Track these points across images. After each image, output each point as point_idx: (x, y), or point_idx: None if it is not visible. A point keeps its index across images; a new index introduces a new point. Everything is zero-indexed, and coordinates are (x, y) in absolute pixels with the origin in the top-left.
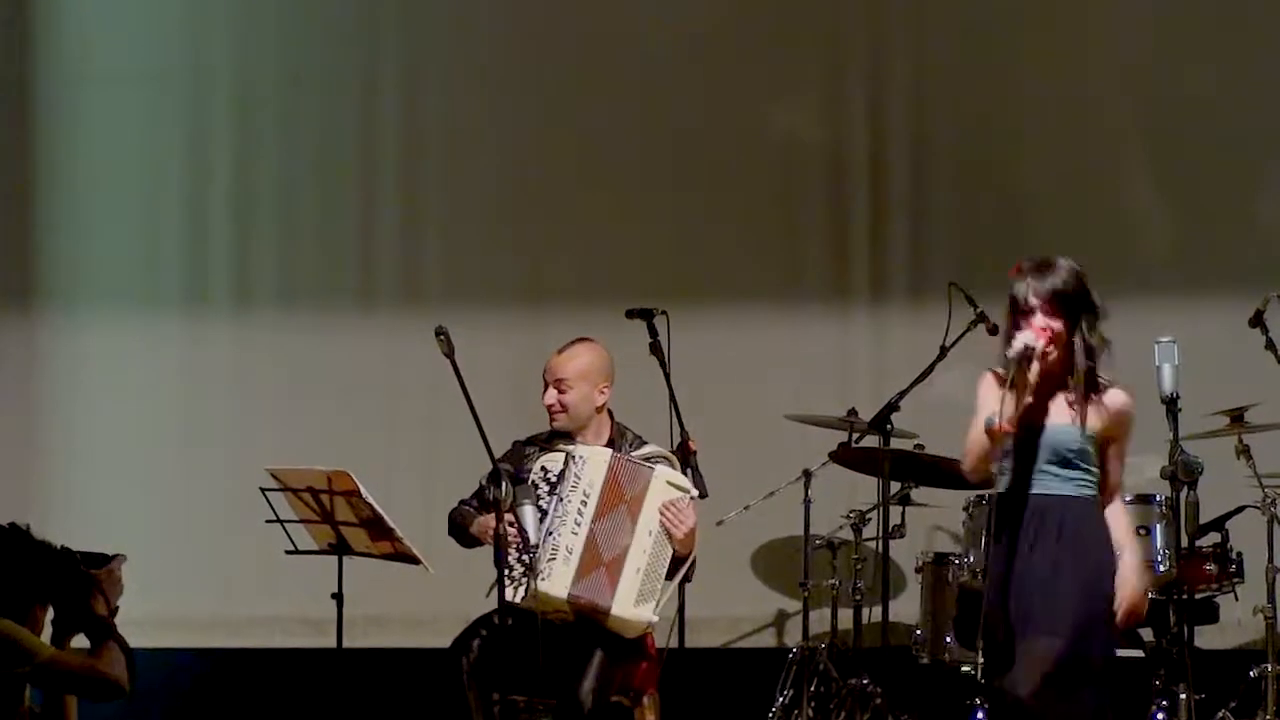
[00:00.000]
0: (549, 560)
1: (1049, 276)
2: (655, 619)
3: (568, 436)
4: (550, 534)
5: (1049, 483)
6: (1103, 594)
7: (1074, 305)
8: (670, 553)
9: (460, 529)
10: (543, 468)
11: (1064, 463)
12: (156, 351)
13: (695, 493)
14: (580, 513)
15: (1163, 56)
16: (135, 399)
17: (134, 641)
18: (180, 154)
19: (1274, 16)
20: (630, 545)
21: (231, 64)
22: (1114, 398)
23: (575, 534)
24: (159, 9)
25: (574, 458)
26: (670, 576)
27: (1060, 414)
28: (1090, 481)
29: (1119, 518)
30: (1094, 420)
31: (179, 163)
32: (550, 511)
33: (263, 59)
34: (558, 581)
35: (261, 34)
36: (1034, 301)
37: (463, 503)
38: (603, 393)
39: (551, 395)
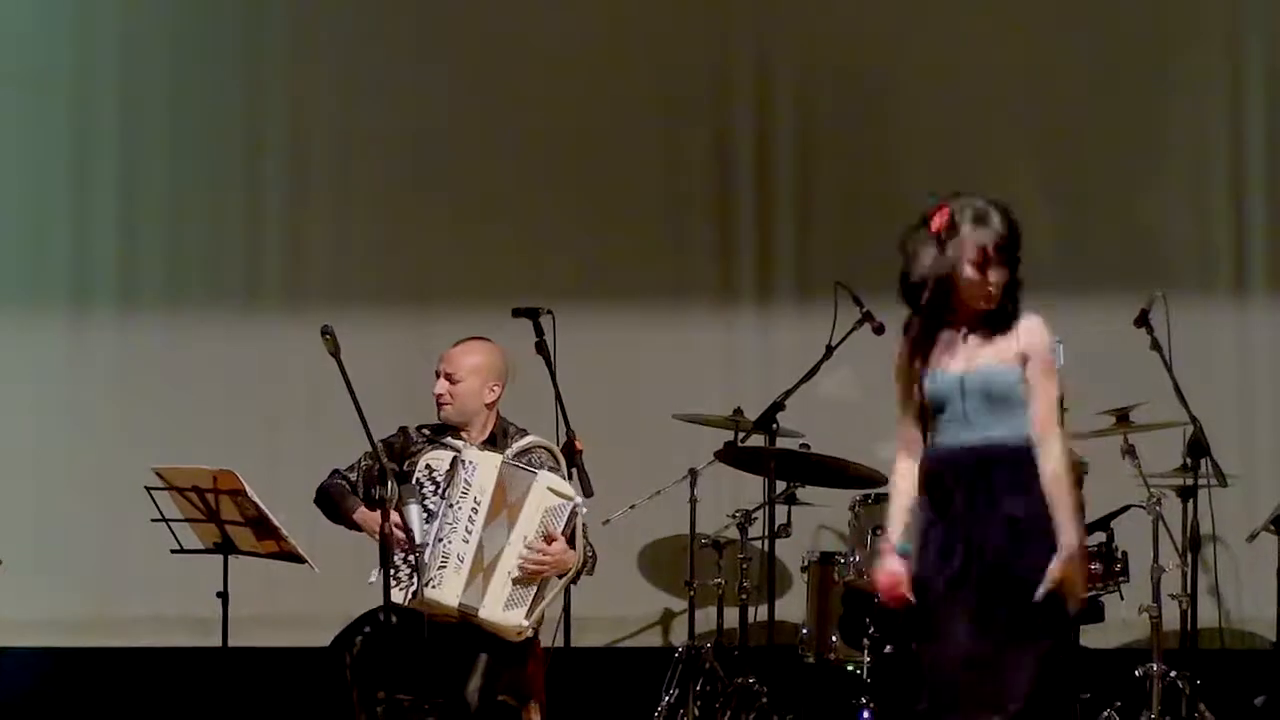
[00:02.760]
0: (439, 568)
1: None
2: (527, 624)
3: (454, 430)
4: (440, 540)
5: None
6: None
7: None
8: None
9: (332, 504)
10: (428, 466)
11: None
12: (40, 351)
13: (579, 499)
14: (471, 520)
15: (1046, 57)
16: (19, 399)
17: (16, 641)
18: (65, 154)
19: (1151, 17)
20: (504, 549)
21: (117, 64)
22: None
23: (466, 542)
24: (45, 10)
25: (463, 462)
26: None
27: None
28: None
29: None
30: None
31: (64, 163)
32: (439, 515)
33: (148, 59)
34: (448, 590)
35: (147, 35)
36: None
37: (337, 473)
38: (493, 391)
39: (442, 385)
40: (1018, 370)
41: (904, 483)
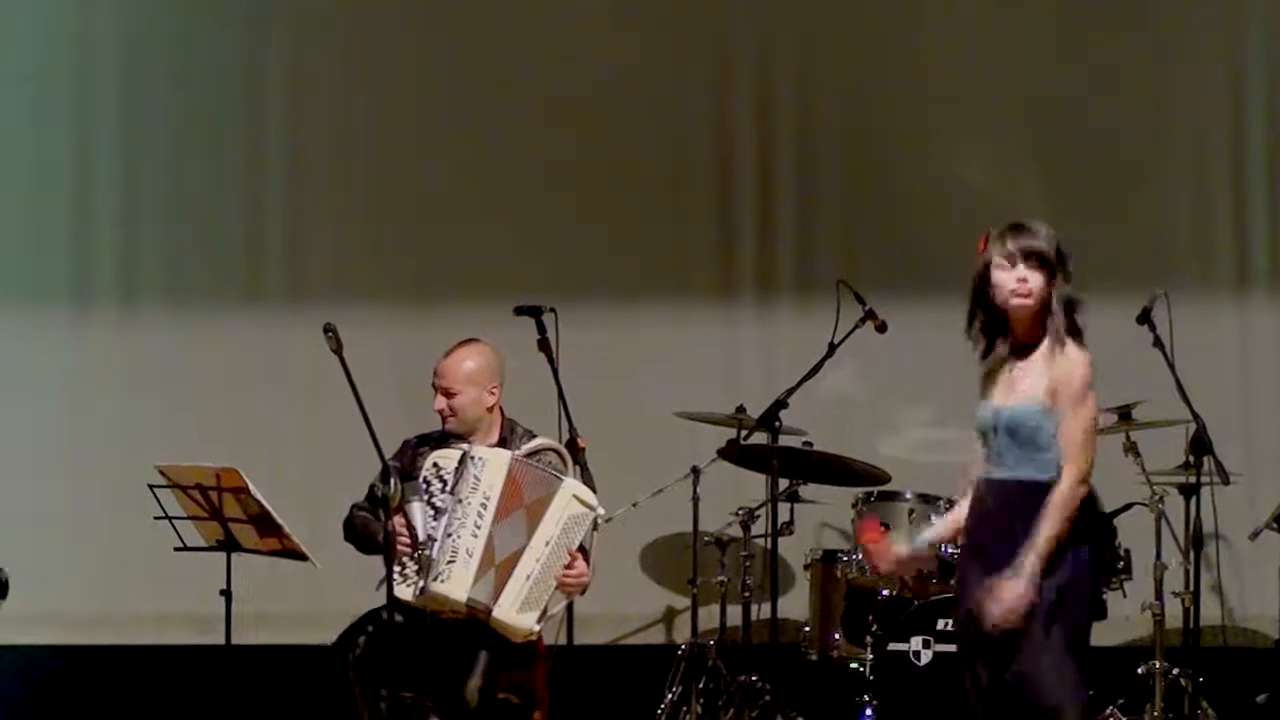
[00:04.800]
0: (448, 562)
1: (1024, 236)
2: (537, 628)
3: (459, 436)
4: (449, 535)
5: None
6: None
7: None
8: (564, 565)
9: (361, 535)
10: (435, 464)
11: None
12: (43, 349)
13: (602, 511)
14: (480, 515)
15: (1046, 57)
16: (22, 396)
17: (20, 638)
18: (67, 151)
19: (1151, 17)
20: (524, 551)
21: (118, 63)
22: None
23: (475, 537)
24: (46, 9)
25: (471, 458)
26: None
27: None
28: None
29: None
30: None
31: (66, 160)
32: (448, 511)
33: (148, 57)
34: (457, 584)
35: (147, 32)
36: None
37: (356, 507)
38: (492, 393)
39: (441, 402)
40: (1044, 406)
41: (959, 509)
